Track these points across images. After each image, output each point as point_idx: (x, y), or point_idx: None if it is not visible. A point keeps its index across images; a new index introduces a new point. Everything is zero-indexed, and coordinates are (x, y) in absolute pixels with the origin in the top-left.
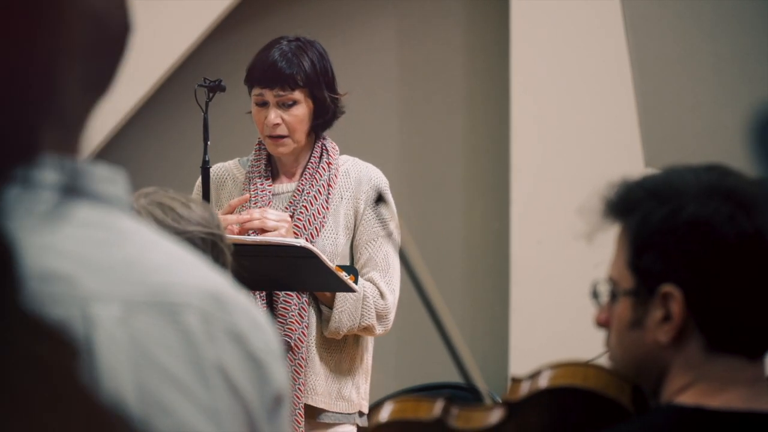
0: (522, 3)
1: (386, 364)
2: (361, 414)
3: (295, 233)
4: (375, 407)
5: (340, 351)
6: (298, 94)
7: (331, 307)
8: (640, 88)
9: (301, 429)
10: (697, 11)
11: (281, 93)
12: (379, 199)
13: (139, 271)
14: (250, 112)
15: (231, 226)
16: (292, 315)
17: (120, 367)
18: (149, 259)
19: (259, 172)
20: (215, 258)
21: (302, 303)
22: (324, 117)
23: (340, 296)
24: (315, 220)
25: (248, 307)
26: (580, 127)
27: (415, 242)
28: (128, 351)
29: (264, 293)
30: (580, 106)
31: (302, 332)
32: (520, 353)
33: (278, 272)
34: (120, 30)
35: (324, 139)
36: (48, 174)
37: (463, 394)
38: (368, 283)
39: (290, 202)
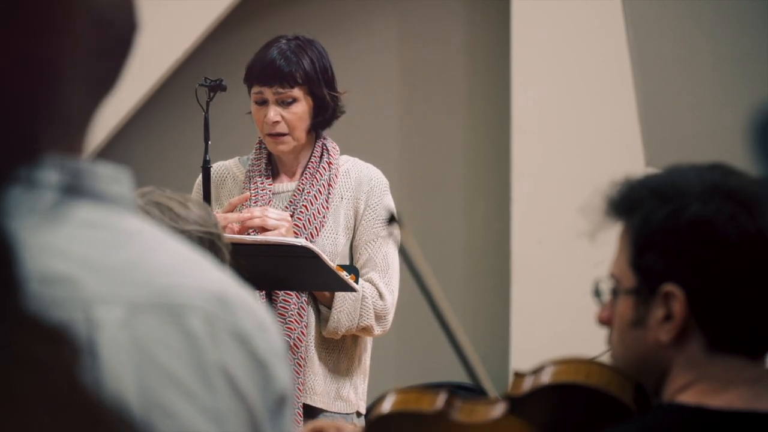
0: (523, 3)
1: (386, 365)
2: (359, 414)
3: (294, 233)
4: (378, 399)
5: (338, 351)
6: (297, 92)
7: (329, 307)
8: (641, 88)
9: (299, 428)
10: (697, 11)
11: (280, 90)
12: (391, 219)
13: (143, 272)
14: (251, 113)
15: (231, 225)
16: (291, 314)
17: (123, 369)
18: (153, 260)
19: (260, 171)
20: (213, 257)
21: (301, 303)
22: (324, 115)
23: (339, 296)
24: (315, 219)
25: (253, 306)
26: (581, 127)
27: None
28: (131, 353)
29: (263, 293)
30: (580, 106)
31: (301, 332)
32: (521, 353)
33: (279, 272)
34: (126, 30)
35: (324, 138)
36: (50, 174)
37: (465, 394)
38: (367, 283)
39: (290, 202)
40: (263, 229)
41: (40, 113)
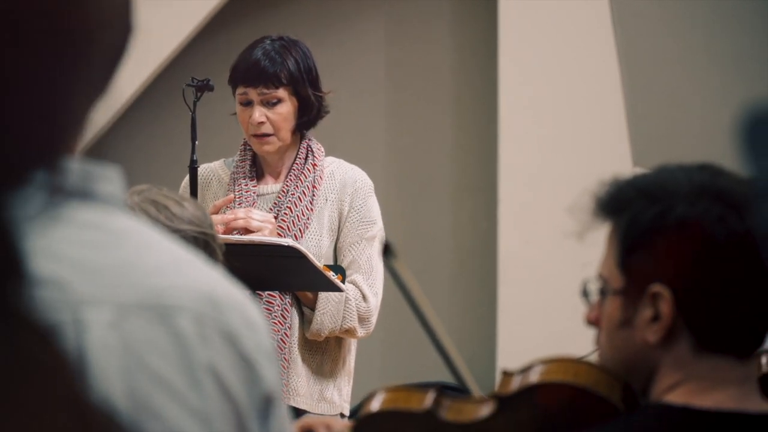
0: (510, 3)
1: (371, 366)
2: (342, 416)
3: (279, 234)
4: (367, 397)
5: (322, 353)
6: (281, 92)
7: (312, 308)
8: (628, 88)
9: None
10: (685, 10)
11: (265, 91)
12: (386, 249)
13: (133, 273)
14: (235, 114)
15: (216, 227)
16: (275, 316)
17: (111, 371)
18: (144, 261)
19: (244, 173)
20: (207, 258)
21: (285, 304)
22: (308, 115)
23: (322, 298)
24: (299, 221)
25: (242, 306)
26: (569, 126)
27: (402, 242)
28: (120, 355)
29: (248, 293)
30: (568, 105)
31: (285, 333)
32: (508, 353)
33: (266, 272)
34: (122, 32)
35: (310, 140)
36: (42, 174)
37: (453, 393)
38: (351, 285)
39: (275, 203)
40: (247, 231)
41: (40, 116)
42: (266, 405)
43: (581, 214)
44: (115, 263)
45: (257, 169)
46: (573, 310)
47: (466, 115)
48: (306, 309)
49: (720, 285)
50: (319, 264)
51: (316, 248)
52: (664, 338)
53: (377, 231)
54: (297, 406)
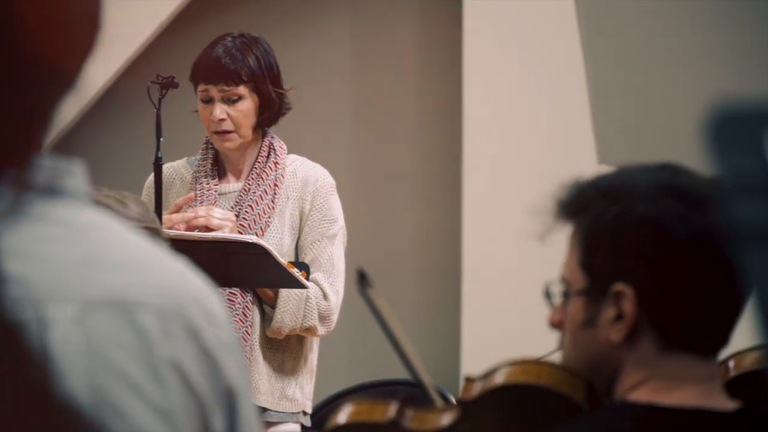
0: None
1: (334, 364)
2: (305, 414)
3: (239, 232)
4: (332, 410)
5: (283, 351)
6: (242, 90)
7: (273, 306)
8: (594, 84)
9: None
10: (651, 8)
11: (225, 88)
12: (362, 278)
13: (97, 270)
14: (197, 111)
15: (177, 225)
16: (236, 314)
17: (75, 368)
18: (108, 256)
19: (206, 172)
20: None
21: (246, 302)
22: (269, 112)
23: (283, 296)
24: (260, 219)
25: (205, 300)
26: (534, 123)
27: (366, 239)
28: (83, 353)
29: (211, 287)
30: (533, 102)
31: (246, 331)
32: (472, 351)
33: (230, 269)
34: (90, 29)
35: (272, 137)
36: (10, 171)
37: (414, 391)
38: (312, 283)
39: (236, 202)
40: (208, 229)
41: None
42: (229, 399)
43: (543, 216)
44: (78, 259)
45: (219, 168)
46: (538, 307)
47: (430, 112)
48: (267, 307)
49: (683, 283)
50: (283, 261)
51: (277, 246)
52: (628, 337)
53: (338, 229)
54: (258, 405)
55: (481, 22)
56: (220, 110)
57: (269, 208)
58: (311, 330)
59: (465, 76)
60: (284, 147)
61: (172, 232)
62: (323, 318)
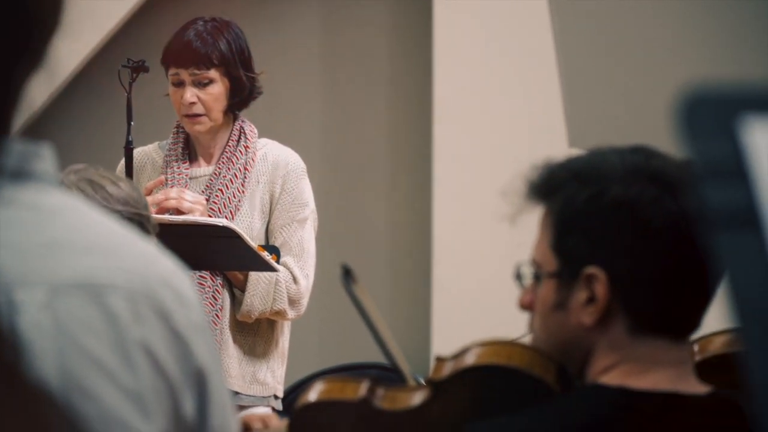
0: None
1: (306, 347)
2: (276, 397)
3: (210, 216)
4: (304, 389)
5: (254, 334)
6: (213, 73)
7: (243, 290)
8: (564, 69)
9: None
10: None
11: (196, 72)
12: (346, 274)
13: (66, 253)
14: (168, 95)
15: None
16: (206, 297)
17: (45, 352)
18: (77, 240)
19: (177, 156)
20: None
21: (216, 285)
22: (240, 96)
23: (253, 280)
24: (230, 203)
25: (175, 281)
26: (504, 107)
27: (337, 223)
28: (53, 336)
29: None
30: (503, 87)
31: (216, 315)
32: (443, 333)
33: (200, 252)
34: (54, 9)
35: (243, 121)
36: None
37: (386, 374)
38: (282, 267)
39: (207, 186)
40: (179, 211)
41: None
42: (200, 380)
43: (514, 198)
44: (47, 242)
45: (190, 152)
46: (508, 290)
47: (401, 97)
48: (236, 290)
49: (655, 266)
50: (254, 244)
51: (247, 230)
52: (600, 320)
53: (309, 213)
54: (229, 388)
55: (452, 11)
56: (190, 93)
57: (239, 191)
58: (281, 314)
59: (435, 62)
60: (255, 131)
61: None
62: (293, 302)
